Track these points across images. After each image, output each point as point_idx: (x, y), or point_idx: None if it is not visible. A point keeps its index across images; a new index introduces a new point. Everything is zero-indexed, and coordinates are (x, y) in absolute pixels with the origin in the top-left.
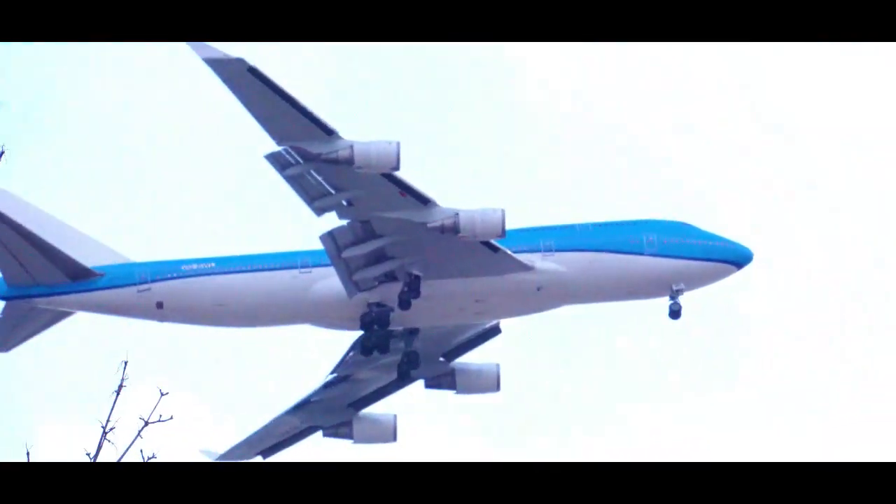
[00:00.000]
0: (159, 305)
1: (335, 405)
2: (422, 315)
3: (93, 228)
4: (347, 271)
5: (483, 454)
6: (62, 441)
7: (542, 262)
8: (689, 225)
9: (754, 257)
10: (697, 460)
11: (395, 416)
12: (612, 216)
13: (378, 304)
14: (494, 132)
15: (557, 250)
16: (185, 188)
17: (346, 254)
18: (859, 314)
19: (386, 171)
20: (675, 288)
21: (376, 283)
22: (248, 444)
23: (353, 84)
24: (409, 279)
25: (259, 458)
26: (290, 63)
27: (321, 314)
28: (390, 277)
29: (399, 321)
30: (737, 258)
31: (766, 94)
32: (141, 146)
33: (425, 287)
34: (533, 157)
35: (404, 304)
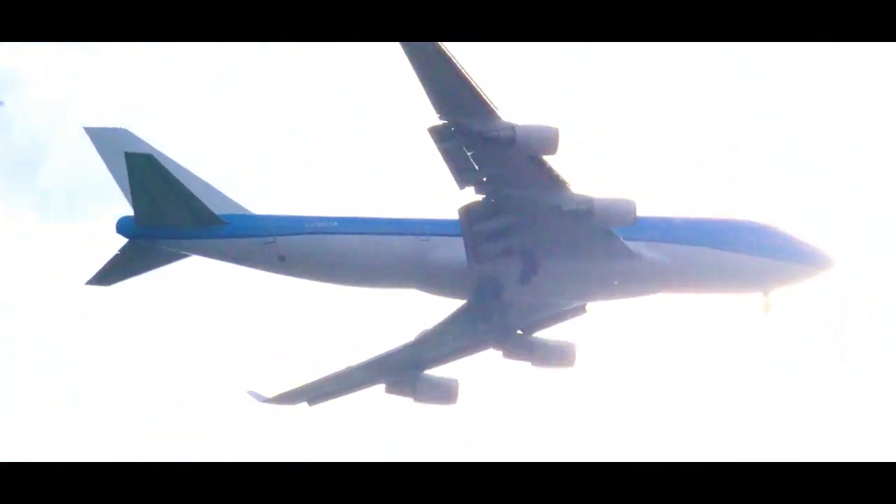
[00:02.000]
0: (281, 258)
1: (404, 364)
2: (533, 291)
3: (213, 178)
4: (474, 243)
5: (537, 426)
6: None
7: (648, 252)
8: (775, 227)
9: (836, 262)
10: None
11: (457, 381)
12: (705, 212)
13: (491, 278)
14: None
15: (662, 241)
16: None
17: (476, 227)
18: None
19: (543, 154)
20: (768, 286)
21: (495, 256)
22: (302, 391)
23: None
24: (530, 257)
25: (305, 405)
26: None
27: (435, 281)
28: (508, 253)
29: (510, 295)
30: (822, 262)
31: None
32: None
33: (542, 266)
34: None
35: (525, 279)
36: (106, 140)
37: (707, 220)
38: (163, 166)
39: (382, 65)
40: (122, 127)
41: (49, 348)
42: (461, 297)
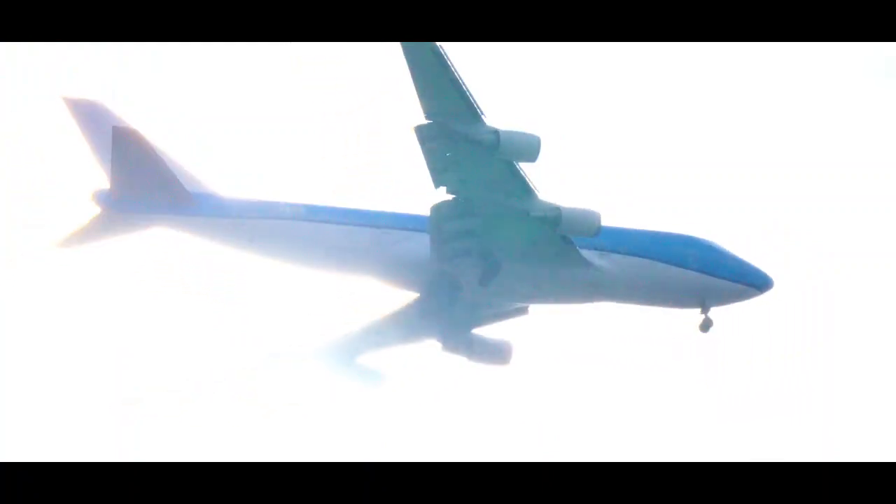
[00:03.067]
0: (250, 240)
1: (340, 350)
2: (489, 292)
3: (182, 158)
4: (439, 241)
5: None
6: None
7: (599, 261)
8: (719, 246)
9: (774, 284)
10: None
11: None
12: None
13: (450, 275)
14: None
15: (612, 251)
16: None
17: (444, 225)
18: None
19: (524, 161)
20: (707, 303)
21: (458, 255)
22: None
23: None
24: (492, 259)
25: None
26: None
27: (394, 274)
28: (470, 253)
29: (466, 294)
30: (761, 283)
31: None
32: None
33: (502, 268)
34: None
35: (485, 280)
36: (83, 111)
37: (656, 233)
38: (147, 142)
39: (370, 64)
40: (98, 100)
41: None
42: (415, 291)
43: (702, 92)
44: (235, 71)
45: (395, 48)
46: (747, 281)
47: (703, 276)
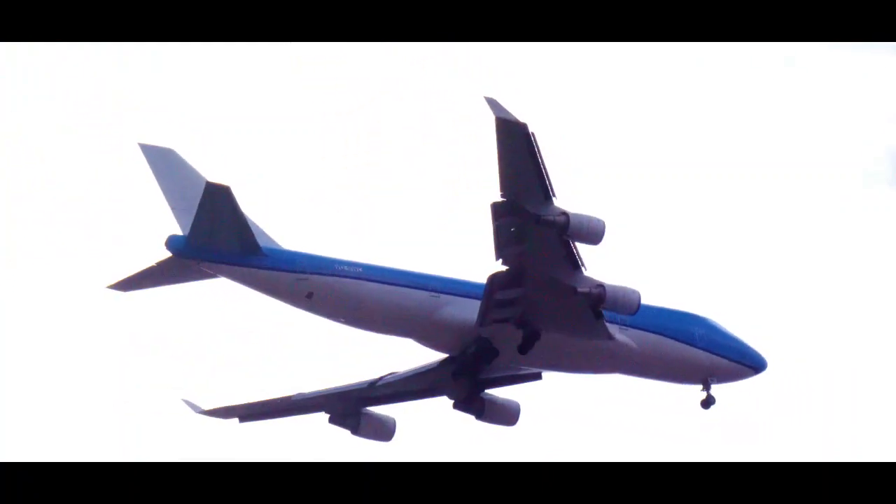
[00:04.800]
0: (309, 296)
1: (353, 399)
2: (524, 360)
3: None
4: (487, 309)
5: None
6: None
7: (620, 335)
8: (720, 325)
9: (769, 366)
10: None
11: (395, 420)
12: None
13: (488, 341)
14: None
15: (631, 326)
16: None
17: (497, 295)
18: None
19: (588, 243)
20: (709, 381)
21: (500, 323)
22: (240, 408)
23: None
24: (532, 329)
25: (235, 421)
26: None
27: (435, 336)
28: (512, 322)
29: (503, 360)
30: (758, 364)
31: None
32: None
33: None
34: None
35: (524, 349)
36: (157, 157)
37: (668, 311)
38: (235, 200)
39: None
40: (171, 147)
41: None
42: (451, 353)
43: (701, 91)
44: (235, 71)
45: (402, 54)
46: (746, 362)
47: (709, 355)
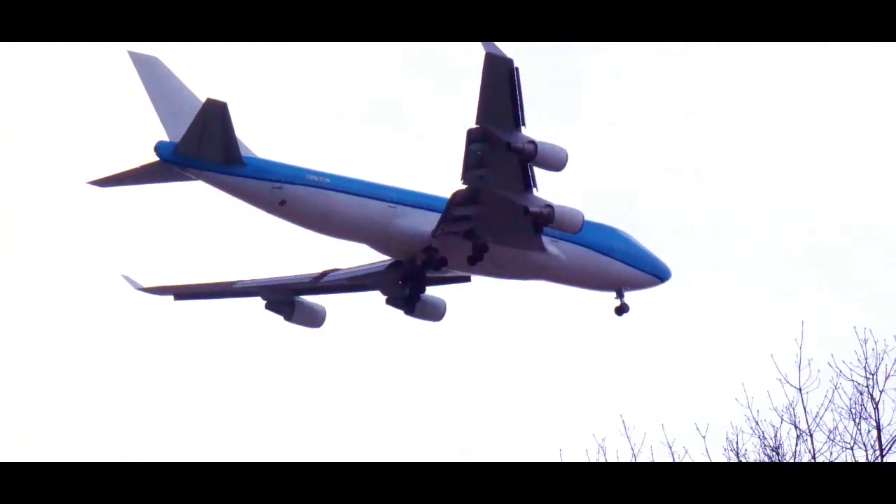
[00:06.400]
0: (282, 203)
1: (291, 290)
2: (468, 269)
3: None
4: (444, 222)
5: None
6: None
7: (551, 247)
8: (634, 238)
9: (672, 275)
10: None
11: (325, 308)
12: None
13: (438, 251)
14: None
15: (560, 238)
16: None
17: (454, 210)
18: None
19: (552, 171)
20: (622, 289)
21: (453, 235)
22: (176, 287)
23: None
24: (479, 243)
25: (170, 298)
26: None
27: (390, 244)
28: (465, 235)
29: (450, 268)
30: (663, 274)
31: None
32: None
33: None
34: None
35: (473, 260)
36: (146, 66)
37: (590, 223)
38: (230, 118)
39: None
40: (156, 56)
41: None
42: (401, 258)
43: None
44: (234, 71)
45: (402, 49)
46: (655, 272)
47: (624, 266)
